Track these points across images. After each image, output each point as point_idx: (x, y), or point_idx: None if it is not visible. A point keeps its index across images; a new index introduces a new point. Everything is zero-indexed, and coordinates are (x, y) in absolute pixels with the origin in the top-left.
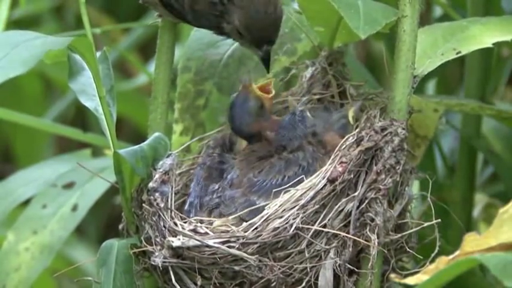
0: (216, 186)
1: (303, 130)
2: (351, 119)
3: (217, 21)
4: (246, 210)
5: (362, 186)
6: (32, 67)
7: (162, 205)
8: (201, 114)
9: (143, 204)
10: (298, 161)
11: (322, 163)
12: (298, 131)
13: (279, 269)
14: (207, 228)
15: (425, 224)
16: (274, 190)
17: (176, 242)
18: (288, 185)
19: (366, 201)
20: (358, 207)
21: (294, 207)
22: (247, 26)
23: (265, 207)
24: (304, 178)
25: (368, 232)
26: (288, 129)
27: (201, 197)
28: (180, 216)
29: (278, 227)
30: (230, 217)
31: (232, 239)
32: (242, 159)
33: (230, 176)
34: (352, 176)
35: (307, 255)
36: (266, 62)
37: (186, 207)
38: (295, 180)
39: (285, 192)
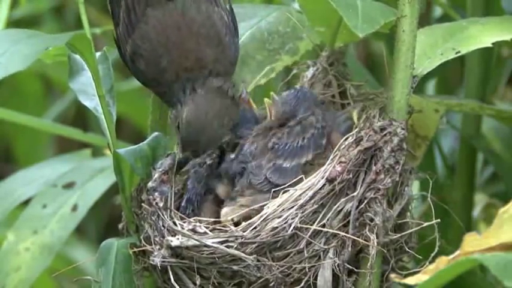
0: (233, 156)
1: (313, 99)
2: (356, 120)
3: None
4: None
5: (361, 186)
6: (31, 63)
7: (161, 205)
8: None
9: (142, 204)
10: (313, 124)
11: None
12: (310, 101)
13: (278, 268)
14: (206, 227)
15: (425, 224)
16: (297, 151)
17: (175, 241)
18: (308, 146)
19: (365, 201)
20: (357, 207)
21: (293, 207)
22: (188, 121)
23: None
24: (321, 140)
25: (367, 232)
26: (299, 100)
27: (201, 195)
28: (180, 216)
29: (277, 227)
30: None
31: (231, 239)
32: (257, 133)
33: (249, 149)
34: (351, 175)
35: (306, 255)
36: (180, 165)
37: (183, 203)
38: (313, 141)
39: (283, 192)
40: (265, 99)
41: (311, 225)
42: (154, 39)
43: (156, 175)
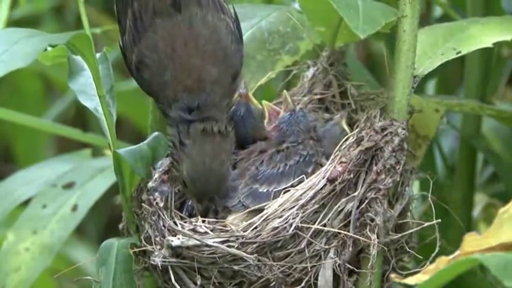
0: None
1: (305, 124)
2: (345, 127)
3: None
4: (260, 205)
5: (362, 186)
6: (32, 61)
7: (161, 205)
8: None
9: (143, 204)
10: (298, 151)
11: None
12: (301, 126)
13: (278, 268)
14: (206, 227)
15: (426, 224)
16: (277, 177)
17: (175, 241)
18: (290, 174)
19: (366, 201)
20: (358, 207)
21: (294, 206)
22: (192, 178)
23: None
24: (307, 169)
25: (368, 232)
26: (291, 124)
27: None
28: (180, 216)
29: (277, 227)
30: (243, 212)
31: (232, 239)
32: (242, 157)
33: (231, 177)
34: (352, 175)
35: (306, 255)
36: (204, 216)
37: (190, 202)
38: (297, 169)
39: (284, 192)
40: (263, 102)
41: (312, 225)
42: (161, 50)
43: (156, 175)
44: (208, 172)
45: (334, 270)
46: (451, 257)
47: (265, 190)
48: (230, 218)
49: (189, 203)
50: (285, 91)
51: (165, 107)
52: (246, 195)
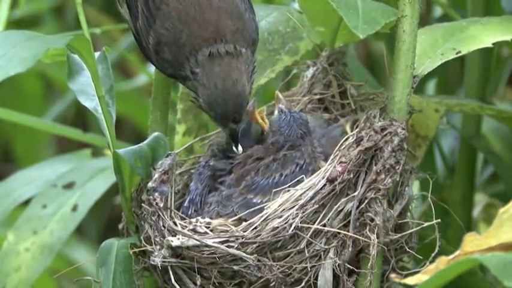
0: (215, 195)
1: (306, 126)
2: (349, 132)
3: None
4: (247, 212)
5: (362, 186)
6: (31, 66)
7: (161, 205)
8: (204, 115)
9: (143, 204)
10: (294, 160)
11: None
12: (303, 128)
13: (278, 268)
14: (206, 227)
15: (426, 224)
16: (272, 188)
17: (175, 241)
18: (285, 183)
19: (366, 201)
20: (357, 207)
21: (293, 207)
22: (209, 103)
23: (264, 207)
24: (304, 177)
25: (368, 232)
26: (287, 128)
27: (204, 195)
28: (180, 216)
29: (277, 227)
30: (230, 219)
31: (232, 239)
32: (238, 162)
33: (227, 182)
34: (351, 175)
35: (306, 255)
36: (233, 139)
37: (186, 203)
38: (292, 178)
39: (284, 192)
40: (276, 92)
41: (312, 225)
42: (175, 18)
43: (156, 175)
44: (222, 94)
45: (334, 270)
46: (451, 257)
47: (259, 201)
48: (215, 222)
49: (185, 204)
50: (277, 92)
51: (185, 71)
52: (240, 205)
